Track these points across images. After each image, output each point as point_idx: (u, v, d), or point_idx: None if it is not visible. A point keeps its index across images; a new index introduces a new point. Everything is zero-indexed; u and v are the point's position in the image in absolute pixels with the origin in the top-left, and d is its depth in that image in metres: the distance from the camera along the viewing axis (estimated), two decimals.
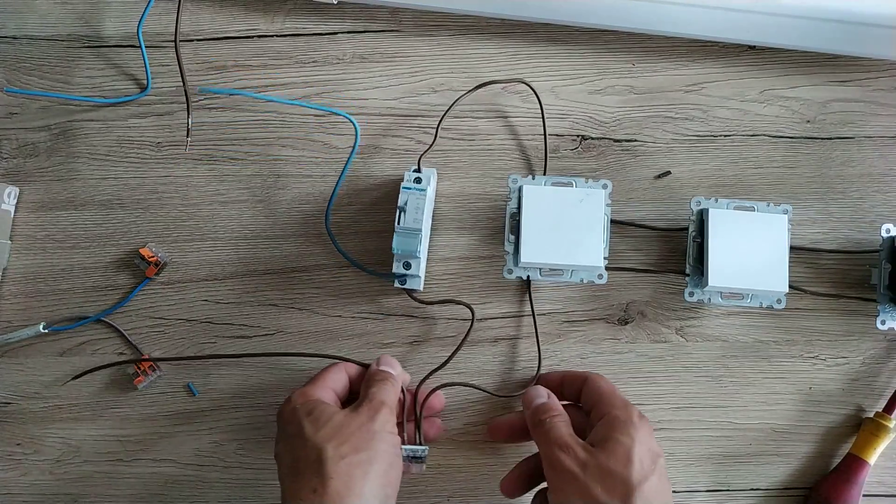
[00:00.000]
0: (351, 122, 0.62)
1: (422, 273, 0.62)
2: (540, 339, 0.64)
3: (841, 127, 0.66)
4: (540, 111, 0.65)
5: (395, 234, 0.58)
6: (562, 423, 0.56)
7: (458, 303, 0.63)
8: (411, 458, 0.58)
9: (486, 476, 0.64)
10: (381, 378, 0.58)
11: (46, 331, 0.63)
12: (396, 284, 0.61)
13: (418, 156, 0.61)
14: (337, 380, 0.59)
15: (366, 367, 0.60)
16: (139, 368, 0.63)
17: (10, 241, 0.64)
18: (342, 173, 0.63)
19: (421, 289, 0.62)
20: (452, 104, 0.63)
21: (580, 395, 0.59)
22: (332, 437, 0.53)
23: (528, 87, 0.65)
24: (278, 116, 0.65)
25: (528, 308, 0.64)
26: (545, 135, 0.65)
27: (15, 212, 0.64)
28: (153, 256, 0.63)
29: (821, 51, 0.65)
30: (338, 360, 0.60)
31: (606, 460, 0.52)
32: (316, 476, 0.51)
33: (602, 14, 0.64)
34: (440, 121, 0.62)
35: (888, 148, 0.66)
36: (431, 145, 0.62)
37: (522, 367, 0.64)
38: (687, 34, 0.65)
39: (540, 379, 0.62)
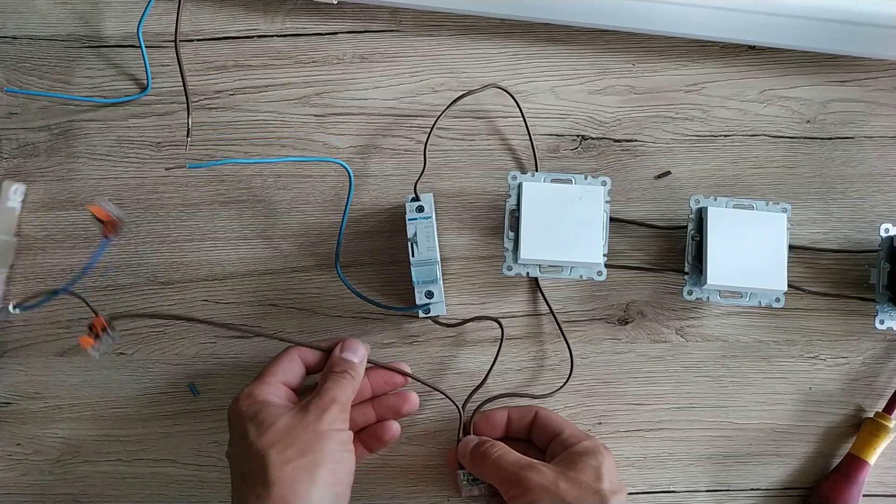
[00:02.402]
0: (345, 168, 0.62)
1: (442, 297, 0.61)
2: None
3: (841, 127, 0.66)
4: (520, 112, 0.64)
5: (412, 267, 0.59)
6: (508, 450, 0.57)
7: (487, 318, 0.63)
8: (472, 481, 0.58)
9: None
10: (339, 370, 0.56)
11: (16, 311, 0.58)
12: (421, 314, 0.61)
13: (414, 182, 0.61)
14: (288, 370, 0.57)
15: (325, 351, 0.58)
16: (91, 332, 0.55)
17: (16, 238, 0.64)
18: (343, 221, 0.62)
19: (444, 312, 0.62)
20: (434, 122, 0.63)
21: (529, 429, 0.60)
22: (276, 442, 0.52)
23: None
24: (278, 117, 0.65)
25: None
26: (529, 134, 0.65)
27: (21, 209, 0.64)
28: (107, 214, 0.56)
29: (821, 51, 0.65)
30: (291, 346, 0.58)
31: (577, 475, 0.54)
32: (260, 483, 0.51)
33: (602, 14, 0.64)
34: (426, 144, 0.62)
35: (888, 148, 0.66)
36: (423, 170, 0.62)
37: (523, 367, 0.64)
38: (687, 34, 0.65)
39: (483, 417, 0.61)
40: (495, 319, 0.62)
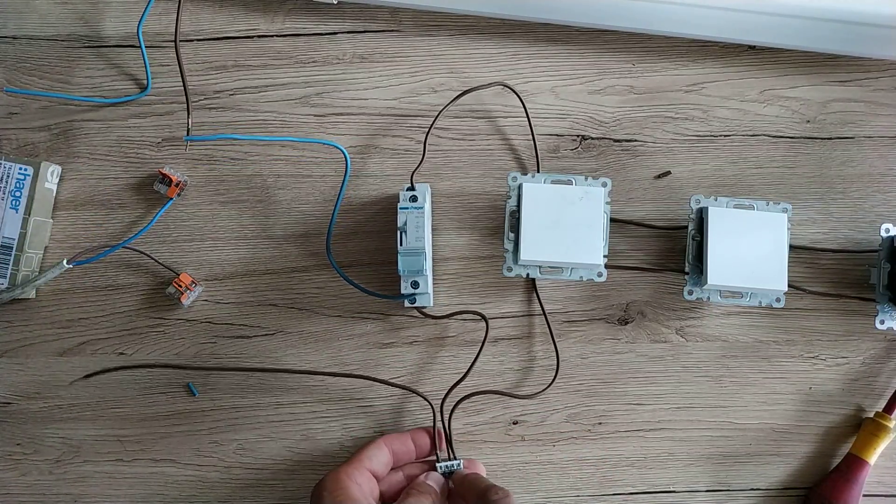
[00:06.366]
0: (341, 151, 0.62)
1: (430, 289, 0.61)
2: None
3: (841, 127, 0.66)
4: (524, 111, 0.65)
5: (399, 256, 0.58)
6: None
7: (471, 313, 0.63)
8: (448, 474, 0.59)
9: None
10: (423, 491, 0.56)
11: (71, 265, 0.62)
12: (406, 304, 0.61)
13: (411, 172, 0.61)
14: (375, 458, 0.58)
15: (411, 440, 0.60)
16: (180, 287, 0.62)
17: (51, 220, 0.64)
18: (336, 204, 0.62)
19: (431, 304, 0.62)
20: (437, 116, 0.63)
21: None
22: None
23: (525, 88, 0.65)
24: (278, 117, 0.65)
25: (527, 308, 0.64)
26: (532, 134, 0.65)
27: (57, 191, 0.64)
28: (174, 176, 0.63)
29: (821, 51, 0.65)
30: (380, 436, 0.60)
31: None
32: None
33: (602, 14, 0.64)
34: (427, 135, 0.62)
35: (888, 148, 0.66)
36: (422, 161, 0.62)
37: (523, 367, 0.64)
38: (687, 34, 0.65)
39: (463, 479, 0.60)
40: (479, 314, 0.62)
